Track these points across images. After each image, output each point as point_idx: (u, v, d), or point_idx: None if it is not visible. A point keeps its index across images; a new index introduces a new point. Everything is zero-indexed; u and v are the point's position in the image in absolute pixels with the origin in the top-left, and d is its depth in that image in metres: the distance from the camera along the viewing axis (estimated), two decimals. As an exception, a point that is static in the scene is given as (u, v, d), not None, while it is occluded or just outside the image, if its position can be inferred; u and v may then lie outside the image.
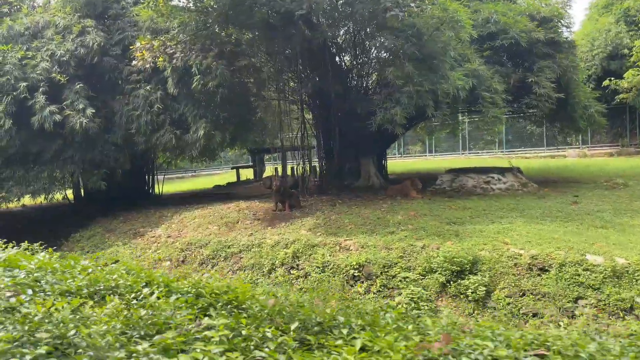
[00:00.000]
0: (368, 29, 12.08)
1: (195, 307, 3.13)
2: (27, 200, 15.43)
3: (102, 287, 3.35)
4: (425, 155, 31.72)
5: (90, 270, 4.08)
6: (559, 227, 8.25)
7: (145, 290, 3.28)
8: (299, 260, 8.39)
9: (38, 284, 3.22)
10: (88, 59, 12.70)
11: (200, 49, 11.71)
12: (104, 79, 13.28)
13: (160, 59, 11.01)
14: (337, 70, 14.53)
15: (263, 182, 16.02)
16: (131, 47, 12.14)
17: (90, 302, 3.01)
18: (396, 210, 10.16)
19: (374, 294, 7.23)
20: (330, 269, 7.87)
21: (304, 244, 8.66)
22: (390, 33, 10.34)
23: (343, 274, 7.68)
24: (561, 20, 12.30)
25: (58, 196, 16.54)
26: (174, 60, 10.97)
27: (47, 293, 3.07)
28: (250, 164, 26.69)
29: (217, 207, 12.79)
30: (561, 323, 5.75)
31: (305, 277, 8.00)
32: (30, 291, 2.97)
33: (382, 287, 7.23)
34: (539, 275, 6.55)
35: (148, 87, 13.07)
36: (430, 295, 6.85)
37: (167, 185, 22.77)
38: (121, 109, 13.18)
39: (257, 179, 23.13)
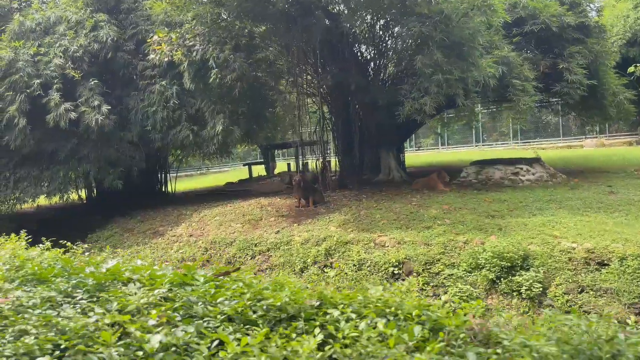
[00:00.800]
0: (389, 17, 11.67)
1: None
2: (41, 200, 15.12)
3: (267, 307, 2.64)
4: (438, 148, 31.28)
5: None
6: (606, 219, 7.84)
7: (342, 319, 2.52)
8: (332, 258, 8.02)
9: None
10: (102, 55, 12.35)
11: (217, 41, 11.32)
12: (118, 75, 12.93)
13: (179, 53, 10.61)
14: (357, 62, 14.13)
15: (281, 178, 15.68)
16: (148, 41, 11.74)
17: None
18: (428, 204, 9.77)
19: (416, 292, 6.84)
20: (367, 267, 7.49)
21: (336, 241, 8.28)
22: (417, 20, 9.92)
23: (382, 271, 7.30)
24: (590, 4, 11.84)
25: (73, 196, 16.27)
26: (194, 53, 10.59)
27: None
28: (261, 160, 26.32)
29: (237, 204, 12.43)
30: (628, 320, 5.35)
31: (341, 276, 7.62)
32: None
33: (425, 285, 6.84)
34: (597, 269, 6.16)
35: (163, 83, 12.71)
36: (479, 293, 6.47)
37: (177, 184, 22.46)
38: (136, 106, 12.83)
39: (270, 175, 22.78)
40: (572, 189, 10.98)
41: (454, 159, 23.11)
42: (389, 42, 12.31)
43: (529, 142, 28.51)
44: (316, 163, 15.02)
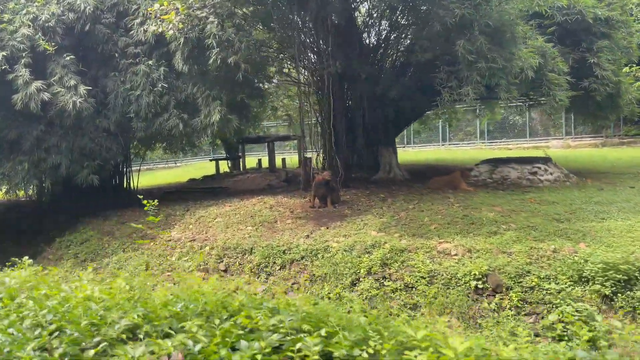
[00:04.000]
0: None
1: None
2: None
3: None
4: (404, 147, 30.72)
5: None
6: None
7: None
8: (389, 269, 6.85)
9: None
10: (78, 27, 10.46)
11: (226, 14, 9.83)
12: (96, 52, 11.07)
13: (181, 25, 8.99)
14: (364, 49, 13.02)
15: (277, 174, 14.26)
16: (149, 10, 9.90)
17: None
18: (473, 205, 8.81)
19: (510, 310, 5.82)
20: (441, 280, 6.39)
21: (390, 248, 7.12)
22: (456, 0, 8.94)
23: (461, 286, 6.22)
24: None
25: (20, 192, 14.08)
26: (209, 26, 9.00)
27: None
28: (224, 155, 24.58)
29: (236, 204, 10.98)
30: None
31: (407, 290, 6.48)
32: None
33: (521, 302, 5.83)
34: None
35: (150, 63, 11.01)
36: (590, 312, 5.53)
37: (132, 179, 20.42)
38: (116, 88, 11.04)
39: (241, 171, 21.19)
40: (600, 190, 10.41)
41: (434, 157, 22.55)
42: (409, 28, 11.26)
43: (496, 142, 28.58)
44: (318, 159, 13.77)
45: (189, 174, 25.32)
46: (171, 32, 9.01)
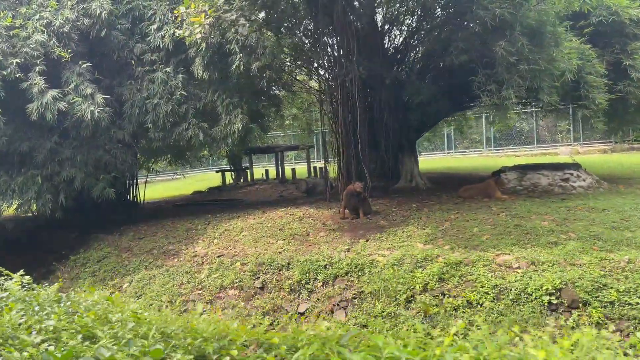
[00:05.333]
0: None
1: None
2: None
3: None
4: (409, 156, 30.17)
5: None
6: None
7: None
8: (447, 284, 6.35)
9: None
10: (93, 32, 9.97)
11: (248, 16, 9.38)
12: (112, 59, 10.57)
13: (207, 28, 8.52)
14: (387, 53, 12.62)
15: (297, 185, 13.74)
16: (176, 11, 9.40)
17: None
18: (520, 214, 8.35)
19: (591, 327, 5.32)
20: (509, 296, 5.89)
21: (443, 262, 6.63)
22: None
23: (532, 301, 5.73)
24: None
25: (33, 207, 13.46)
26: (240, 29, 8.52)
27: None
28: (229, 166, 24.01)
29: (260, 216, 10.48)
30: None
31: (470, 307, 5.98)
32: None
33: (603, 319, 5.35)
34: None
35: (167, 70, 10.52)
36: (684, 329, 5.07)
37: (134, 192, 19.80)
38: (132, 97, 10.54)
39: (249, 182, 20.65)
40: (637, 197, 10.00)
41: (444, 166, 22.15)
42: (438, 30, 10.85)
43: (502, 149, 28.29)
44: (332, 168, 13.26)
45: (191, 186, 24.77)
46: (199, 35, 8.52)
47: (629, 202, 9.14)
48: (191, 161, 20.47)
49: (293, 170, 19.46)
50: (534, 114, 25.96)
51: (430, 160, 27.35)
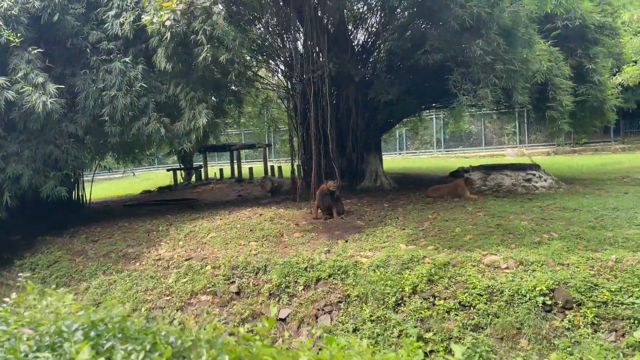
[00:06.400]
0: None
1: None
2: None
3: None
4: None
5: None
6: None
7: None
8: (437, 286, 6.18)
9: None
10: (45, 16, 9.11)
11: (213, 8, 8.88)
12: (64, 46, 9.70)
13: (177, 16, 7.95)
14: (356, 50, 12.40)
15: (262, 183, 13.27)
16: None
17: None
18: (498, 214, 8.34)
19: (586, 328, 5.30)
20: (502, 297, 5.78)
21: (431, 263, 6.46)
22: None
23: (526, 302, 5.65)
24: (610, 5, 11.45)
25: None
26: (214, 17, 7.99)
27: None
28: (178, 165, 23.08)
29: (227, 217, 10.01)
30: None
31: (464, 309, 5.82)
32: None
33: (598, 320, 5.33)
34: None
35: (126, 60, 9.81)
36: (677, 327, 5.11)
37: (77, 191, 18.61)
38: (86, 88, 9.74)
39: (202, 181, 19.88)
40: (598, 197, 10.28)
41: (400, 166, 22.28)
42: (410, 27, 10.73)
43: (452, 150, 28.89)
44: (296, 167, 12.89)
45: (137, 185, 23.66)
46: (168, 22, 7.94)
47: (594, 202, 9.36)
48: (141, 159, 19.44)
49: (250, 169, 18.90)
50: (482, 117, 26.79)
51: (384, 161, 27.47)
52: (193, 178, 21.91)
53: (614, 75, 13.18)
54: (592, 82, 10.55)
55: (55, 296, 2.68)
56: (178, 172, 21.39)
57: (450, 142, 29.65)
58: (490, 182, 11.89)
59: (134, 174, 21.47)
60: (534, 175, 11.68)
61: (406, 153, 30.07)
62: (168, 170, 21.40)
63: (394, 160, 27.31)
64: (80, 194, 15.06)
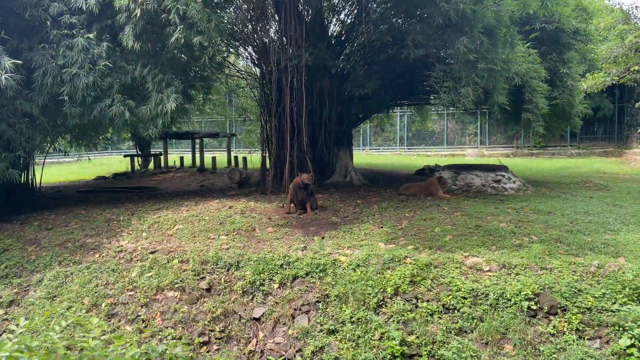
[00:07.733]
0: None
1: None
2: None
3: None
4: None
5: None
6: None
7: None
8: (419, 287, 5.99)
9: None
10: (0, -17, 8.36)
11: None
12: (22, 18, 8.93)
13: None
14: (332, 41, 12.09)
15: (230, 174, 12.78)
16: None
17: None
18: (475, 215, 8.26)
19: (571, 334, 5.23)
20: (486, 301, 5.65)
21: (413, 263, 6.27)
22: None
23: (511, 307, 5.53)
24: (585, 11, 11.57)
25: None
26: None
27: None
28: (136, 151, 22.12)
29: (194, 208, 9.54)
30: None
31: (447, 312, 5.66)
32: None
33: (583, 326, 5.27)
34: None
35: (90, 36, 9.14)
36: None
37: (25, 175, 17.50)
38: (45, 64, 9.01)
39: (162, 169, 19.11)
40: (566, 200, 10.42)
41: (365, 162, 22.17)
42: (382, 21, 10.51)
43: (414, 148, 29.09)
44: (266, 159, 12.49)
45: (90, 170, 22.53)
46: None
47: (565, 205, 9.42)
48: (97, 143, 18.44)
49: (214, 158, 18.32)
50: (445, 116, 27.08)
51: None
52: (151, 165, 21.11)
53: (579, 81, 13.40)
54: (565, 86, 10.68)
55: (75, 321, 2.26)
56: (135, 159, 20.51)
57: (413, 140, 29.87)
58: (460, 182, 11.87)
59: (89, 159, 20.36)
60: (503, 176, 11.74)
61: (369, 149, 30.09)
62: (125, 156, 20.49)
63: (357, 156, 27.11)
64: (30, 177, 14.14)
